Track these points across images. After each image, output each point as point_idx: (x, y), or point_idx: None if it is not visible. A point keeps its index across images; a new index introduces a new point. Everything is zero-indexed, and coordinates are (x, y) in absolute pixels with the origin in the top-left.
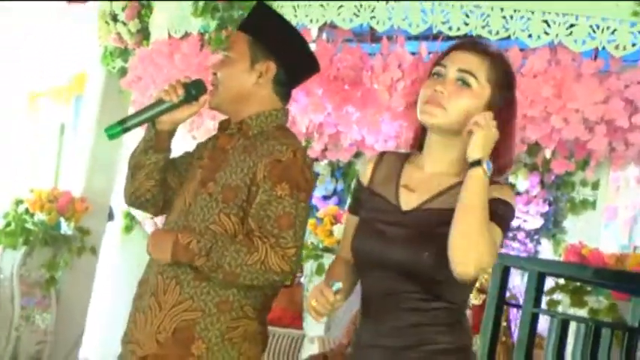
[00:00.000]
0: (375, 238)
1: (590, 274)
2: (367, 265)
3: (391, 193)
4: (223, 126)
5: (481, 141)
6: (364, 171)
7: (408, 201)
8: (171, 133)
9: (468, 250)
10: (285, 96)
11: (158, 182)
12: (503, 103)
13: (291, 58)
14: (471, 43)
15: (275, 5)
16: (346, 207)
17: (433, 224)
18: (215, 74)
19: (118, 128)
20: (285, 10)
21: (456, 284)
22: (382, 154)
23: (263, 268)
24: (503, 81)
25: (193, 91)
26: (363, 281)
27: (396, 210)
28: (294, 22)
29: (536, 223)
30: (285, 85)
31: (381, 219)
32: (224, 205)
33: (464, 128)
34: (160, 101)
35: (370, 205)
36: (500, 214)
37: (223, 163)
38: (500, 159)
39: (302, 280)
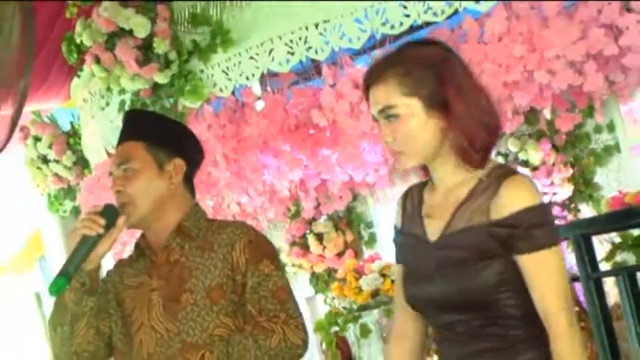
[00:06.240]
0: (414, 282)
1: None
2: (426, 309)
3: (418, 228)
4: (142, 245)
5: None
6: (396, 214)
7: (433, 230)
8: (98, 270)
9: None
10: (193, 191)
11: (97, 329)
12: (443, 92)
13: (189, 149)
14: (368, 75)
15: (206, 75)
16: (365, 257)
17: (457, 249)
18: (119, 192)
19: (62, 281)
20: (217, 77)
21: (513, 297)
22: (407, 190)
23: (287, 345)
24: (422, 76)
25: (110, 216)
26: (430, 323)
27: (426, 244)
28: (230, 87)
29: (566, 190)
30: (190, 179)
31: (415, 259)
32: (218, 306)
33: (435, 143)
34: (84, 238)
35: (405, 248)
36: (546, 237)
37: (184, 272)
38: (475, 138)
39: (352, 349)
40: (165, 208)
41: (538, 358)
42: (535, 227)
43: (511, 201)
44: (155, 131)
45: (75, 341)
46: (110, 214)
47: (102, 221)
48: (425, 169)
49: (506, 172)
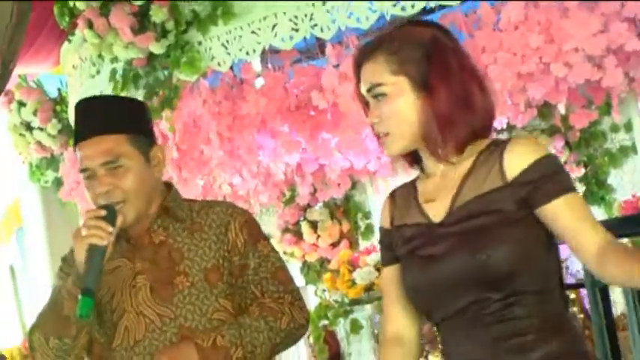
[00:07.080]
0: (425, 266)
1: None
2: (431, 297)
3: (418, 216)
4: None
5: None
6: (383, 216)
7: (436, 212)
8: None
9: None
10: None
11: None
12: (429, 71)
13: (152, 128)
14: (359, 52)
15: (204, 48)
16: (360, 248)
17: (472, 218)
18: (109, 191)
19: (88, 299)
20: (216, 51)
21: (537, 270)
22: (392, 192)
23: (295, 326)
24: (410, 54)
25: (111, 219)
26: (436, 313)
27: (430, 226)
28: (228, 61)
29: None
30: None
31: (420, 245)
32: (217, 289)
33: (423, 128)
34: (93, 248)
35: (402, 240)
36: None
37: (173, 254)
38: (447, 126)
39: (341, 345)
40: (152, 196)
41: (569, 332)
42: (555, 173)
43: (523, 156)
44: (133, 120)
45: (74, 350)
46: (111, 216)
47: (110, 228)
48: (411, 160)
49: (504, 140)
